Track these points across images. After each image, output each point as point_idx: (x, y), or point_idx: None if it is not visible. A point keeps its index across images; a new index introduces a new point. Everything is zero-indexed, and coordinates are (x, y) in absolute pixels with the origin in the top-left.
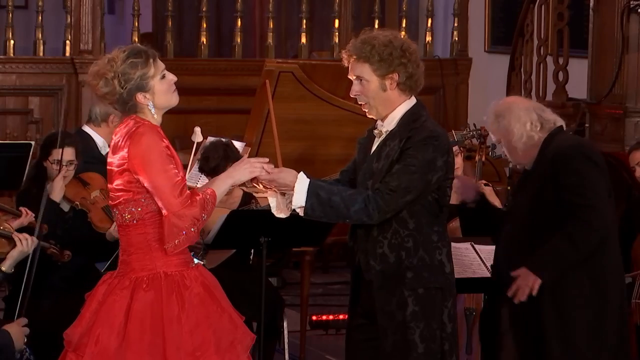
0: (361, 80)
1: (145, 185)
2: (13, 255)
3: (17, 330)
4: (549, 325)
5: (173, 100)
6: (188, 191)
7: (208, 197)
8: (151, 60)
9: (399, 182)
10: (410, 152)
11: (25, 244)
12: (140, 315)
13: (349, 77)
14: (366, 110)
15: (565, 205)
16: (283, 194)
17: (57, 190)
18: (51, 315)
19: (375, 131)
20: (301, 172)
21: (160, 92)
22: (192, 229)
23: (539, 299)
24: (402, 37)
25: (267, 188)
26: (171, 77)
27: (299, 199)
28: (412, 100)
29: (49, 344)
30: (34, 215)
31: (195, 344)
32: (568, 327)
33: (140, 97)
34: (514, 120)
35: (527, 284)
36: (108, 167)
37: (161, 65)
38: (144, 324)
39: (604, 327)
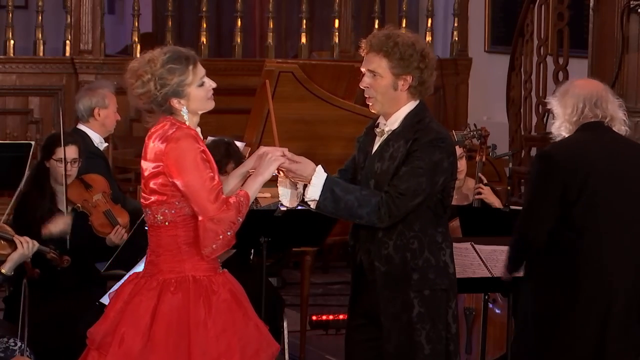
0: (375, 74)
1: (181, 189)
2: (13, 258)
3: None
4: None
5: (208, 106)
6: (223, 195)
7: (242, 199)
8: (190, 67)
9: (408, 185)
10: (417, 155)
11: (27, 247)
12: (166, 318)
13: (361, 68)
14: (370, 104)
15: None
16: (294, 185)
17: (59, 226)
18: (52, 315)
19: (377, 130)
20: (319, 166)
21: (196, 98)
22: (228, 233)
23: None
24: (424, 42)
25: (279, 174)
26: (209, 85)
27: (314, 192)
28: (416, 101)
29: (49, 344)
30: (37, 243)
31: (221, 350)
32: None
33: (174, 102)
34: (561, 105)
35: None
36: (142, 163)
37: (201, 71)
38: (170, 327)
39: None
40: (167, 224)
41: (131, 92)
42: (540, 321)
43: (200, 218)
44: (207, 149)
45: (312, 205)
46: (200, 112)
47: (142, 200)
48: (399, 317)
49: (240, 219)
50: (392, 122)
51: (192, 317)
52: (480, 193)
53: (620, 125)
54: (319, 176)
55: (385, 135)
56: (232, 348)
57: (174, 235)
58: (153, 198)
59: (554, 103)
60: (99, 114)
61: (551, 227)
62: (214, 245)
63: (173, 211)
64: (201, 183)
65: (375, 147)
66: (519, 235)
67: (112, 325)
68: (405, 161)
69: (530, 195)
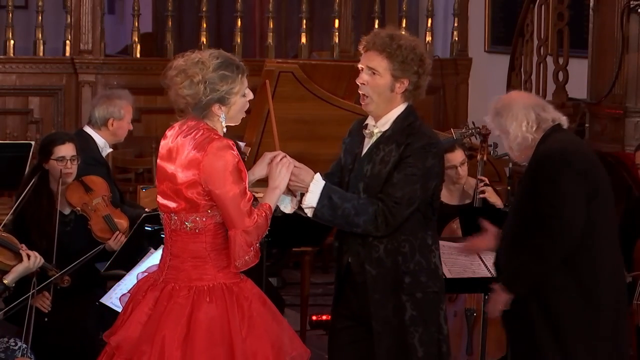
0: (374, 72)
1: (216, 199)
2: (18, 270)
3: None
4: (538, 330)
5: (239, 119)
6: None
7: (267, 212)
8: (240, 77)
9: (403, 193)
10: (410, 161)
11: (33, 261)
12: (206, 327)
13: (359, 65)
14: (363, 102)
15: (538, 213)
16: (292, 192)
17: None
18: (52, 315)
19: (366, 131)
20: (317, 173)
21: (237, 108)
22: (257, 245)
23: (528, 303)
24: (423, 46)
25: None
26: (250, 96)
27: (312, 199)
28: (406, 103)
29: (50, 344)
30: (42, 259)
31: (259, 358)
32: (557, 330)
33: (215, 107)
34: (511, 119)
35: (498, 299)
36: (167, 166)
37: (246, 81)
38: (211, 336)
39: (595, 329)
40: (197, 231)
41: (176, 90)
42: (557, 324)
43: (232, 230)
44: (241, 159)
45: (309, 213)
46: (230, 124)
47: (164, 203)
48: (390, 321)
49: (267, 231)
50: (382, 124)
51: (232, 327)
52: (483, 192)
53: (566, 126)
54: (317, 183)
55: (375, 137)
56: (268, 356)
57: (202, 242)
58: (184, 205)
59: (502, 122)
60: (112, 125)
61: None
62: (246, 257)
63: (204, 219)
64: (241, 196)
65: (365, 150)
66: (555, 241)
67: (146, 333)
68: (398, 167)
69: (565, 199)
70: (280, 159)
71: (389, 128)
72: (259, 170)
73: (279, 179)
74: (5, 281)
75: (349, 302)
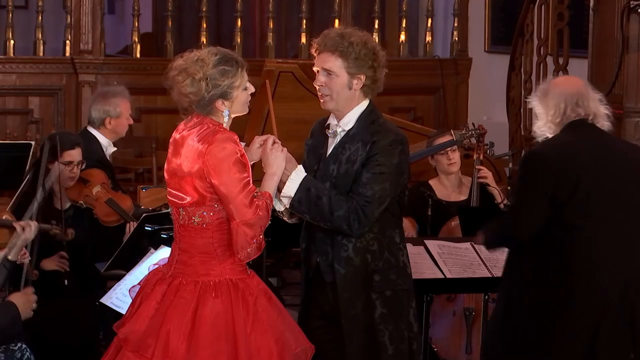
0: (330, 73)
1: (217, 190)
2: (18, 244)
3: (24, 300)
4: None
5: (245, 110)
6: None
7: (268, 201)
8: (239, 70)
9: (373, 192)
10: (378, 159)
11: (28, 230)
12: (210, 322)
13: (315, 68)
14: (322, 101)
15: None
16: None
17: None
18: (52, 315)
19: (329, 131)
20: (300, 165)
21: (239, 102)
22: (261, 236)
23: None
24: (373, 39)
25: None
26: (251, 89)
27: (290, 189)
28: (367, 100)
29: (49, 344)
30: (37, 224)
31: (262, 354)
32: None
33: (219, 103)
34: (543, 106)
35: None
36: (174, 160)
37: (246, 75)
38: (216, 332)
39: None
40: (204, 226)
41: (178, 90)
42: (530, 318)
43: (234, 221)
44: (244, 153)
45: (286, 203)
46: (235, 116)
47: (173, 199)
48: (360, 319)
49: (269, 221)
50: (345, 123)
51: (236, 322)
52: (483, 177)
53: (604, 121)
54: (298, 173)
55: (338, 137)
56: (271, 352)
57: (210, 238)
58: (191, 199)
59: (535, 104)
60: (110, 123)
61: (541, 225)
62: (249, 249)
63: (212, 214)
64: (242, 188)
65: (330, 149)
66: (508, 233)
67: (152, 327)
68: (366, 165)
69: (520, 195)
70: (273, 144)
71: (353, 127)
72: (251, 155)
73: (275, 164)
74: (9, 257)
75: (318, 303)
